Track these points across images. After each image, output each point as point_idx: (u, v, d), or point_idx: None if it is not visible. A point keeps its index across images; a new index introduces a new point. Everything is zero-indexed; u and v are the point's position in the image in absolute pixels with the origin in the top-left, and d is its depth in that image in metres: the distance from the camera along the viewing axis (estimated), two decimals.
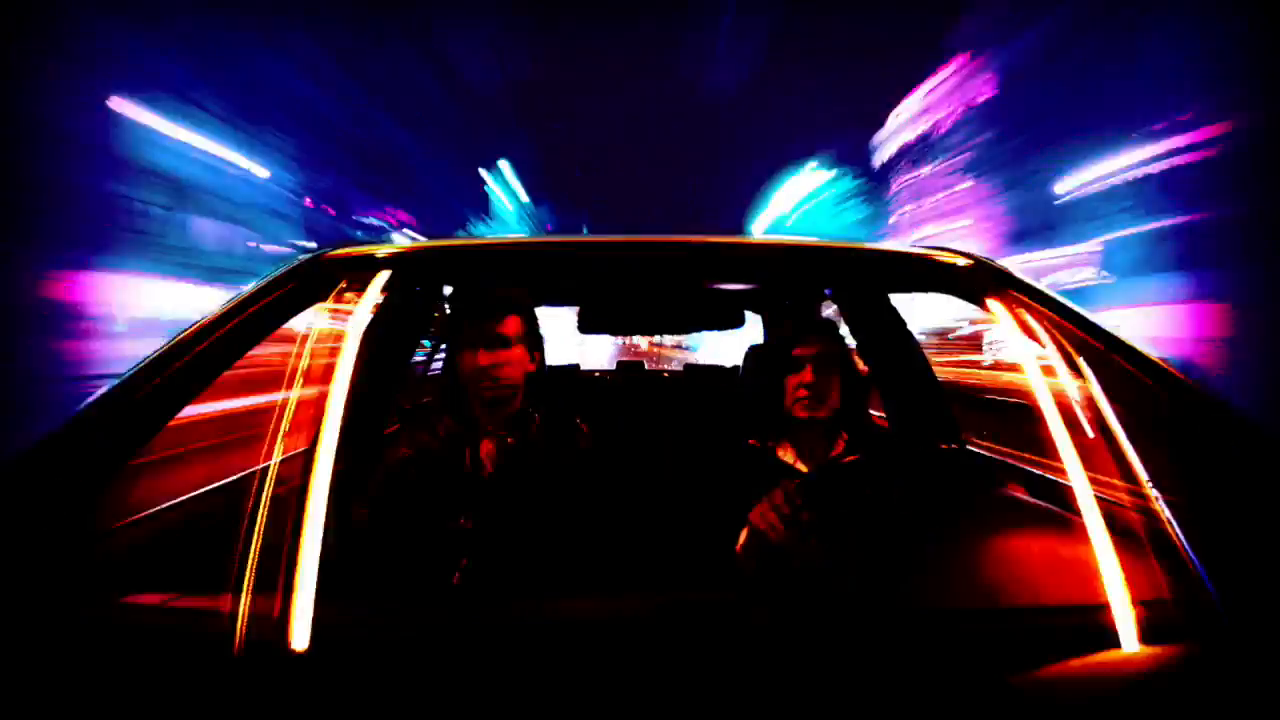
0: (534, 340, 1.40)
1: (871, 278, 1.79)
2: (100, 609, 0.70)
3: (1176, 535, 1.05)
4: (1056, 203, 22.11)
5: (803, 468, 1.41)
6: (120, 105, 15.93)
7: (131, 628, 0.67)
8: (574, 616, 0.73)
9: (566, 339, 4.61)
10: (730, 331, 2.95)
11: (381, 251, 1.20)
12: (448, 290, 1.78)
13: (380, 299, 2.04)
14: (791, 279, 2.10)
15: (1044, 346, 0.93)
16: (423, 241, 1.28)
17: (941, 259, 1.20)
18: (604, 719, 0.57)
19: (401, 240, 1.41)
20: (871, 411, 1.97)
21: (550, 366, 1.55)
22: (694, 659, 0.60)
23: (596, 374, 3.44)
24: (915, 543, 0.72)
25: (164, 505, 1.18)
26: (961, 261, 1.17)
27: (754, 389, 1.53)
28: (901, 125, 34.93)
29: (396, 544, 1.25)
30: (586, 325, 2.79)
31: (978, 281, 1.13)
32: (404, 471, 1.34)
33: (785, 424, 1.45)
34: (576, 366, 3.36)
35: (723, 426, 1.55)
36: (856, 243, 1.38)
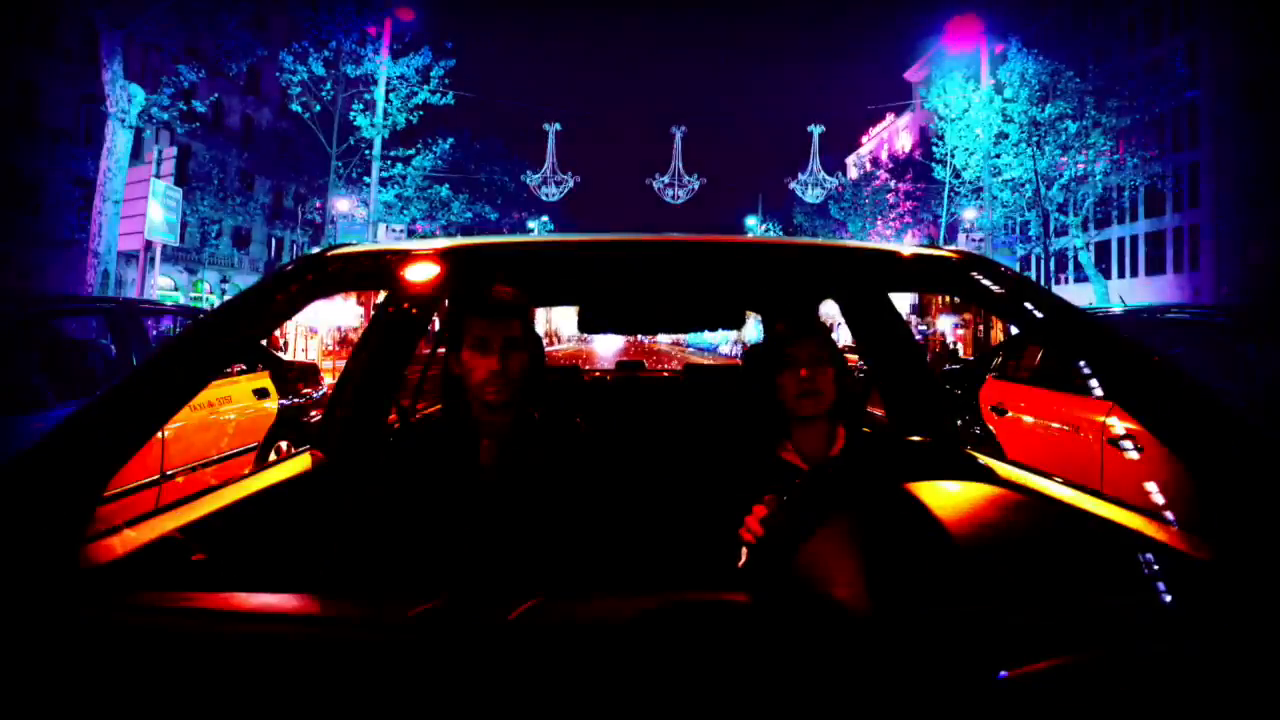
0: (534, 343, 1.41)
1: (869, 276, 1.81)
2: (100, 609, 0.70)
3: (1174, 534, 1.05)
4: None
5: (803, 466, 1.42)
6: None
7: (132, 628, 0.67)
8: (574, 617, 0.73)
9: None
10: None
11: (384, 250, 1.20)
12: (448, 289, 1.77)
13: (382, 297, 2.04)
14: (790, 279, 2.11)
15: (1033, 339, 0.94)
16: (424, 241, 1.28)
17: (935, 257, 1.22)
18: (602, 719, 0.57)
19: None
20: (872, 410, 1.98)
21: (550, 367, 1.56)
22: (693, 659, 0.61)
23: (596, 374, 3.45)
24: (912, 541, 0.72)
25: (165, 505, 1.18)
26: (953, 259, 1.19)
27: (753, 388, 1.54)
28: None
29: (396, 543, 1.25)
30: (586, 324, 2.79)
31: (969, 277, 1.14)
32: (404, 470, 1.34)
33: (785, 423, 1.46)
34: (576, 367, 3.37)
35: (723, 426, 1.56)
36: (854, 242, 1.40)
